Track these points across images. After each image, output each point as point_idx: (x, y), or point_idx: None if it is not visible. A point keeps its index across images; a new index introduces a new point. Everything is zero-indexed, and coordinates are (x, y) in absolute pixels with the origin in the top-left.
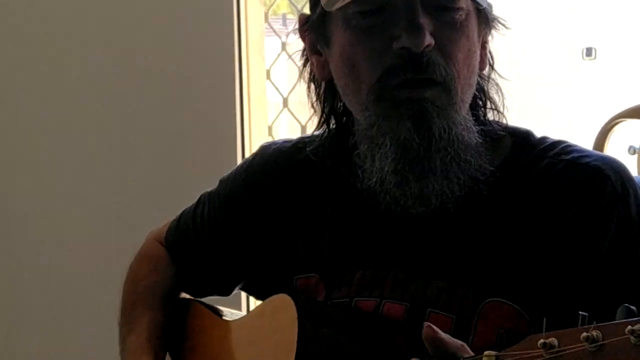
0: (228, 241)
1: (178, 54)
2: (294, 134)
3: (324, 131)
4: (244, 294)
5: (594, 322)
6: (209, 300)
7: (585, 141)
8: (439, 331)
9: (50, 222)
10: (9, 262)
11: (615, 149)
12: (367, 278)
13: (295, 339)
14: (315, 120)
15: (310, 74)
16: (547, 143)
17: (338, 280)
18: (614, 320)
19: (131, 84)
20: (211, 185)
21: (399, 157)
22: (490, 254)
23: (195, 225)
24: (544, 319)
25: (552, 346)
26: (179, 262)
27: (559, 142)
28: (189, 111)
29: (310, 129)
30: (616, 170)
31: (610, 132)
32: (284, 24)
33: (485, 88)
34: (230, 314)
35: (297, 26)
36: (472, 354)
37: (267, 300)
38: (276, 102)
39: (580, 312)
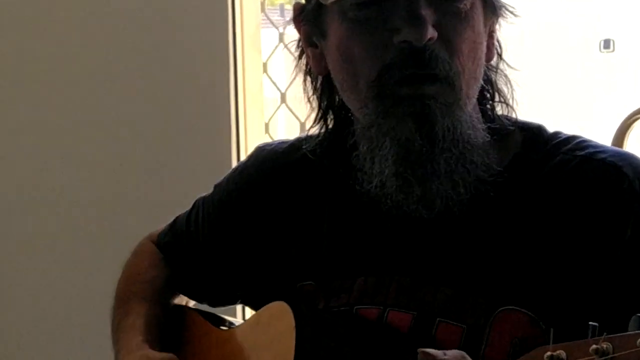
0: (222, 247)
1: (167, 48)
2: (293, 131)
3: (322, 128)
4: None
5: (604, 334)
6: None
7: (602, 138)
8: (432, 352)
9: (41, 224)
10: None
11: (636, 147)
12: (369, 285)
13: (293, 349)
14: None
15: (306, 66)
16: (560, 138)
17: (337, 287)
18: (628, 328)
19: (118, 83)
20: (204, 188)
21: (400, 159)
22: (500, 259)
23: (189, 231)
24: (551, 330)
25: (560, 359)
26: (171, 265)
27: (573, 138)
28: (180, 109)
29: None
30: (634, 166)
31: (630, 129)
32: (282, 15)
33: (493, 79)
34: (226, 321)
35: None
36: None
37: (264, 307)
38: (273, 98)
39: (590, 323)
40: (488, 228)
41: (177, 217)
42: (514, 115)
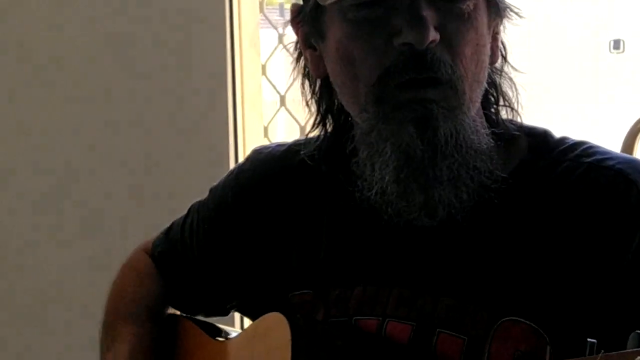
0: (217, 254)
1: (164, 49)
2: (293, 135)
3: (320, 132)
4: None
5: (602, 351)
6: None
7: (612, 143)
8: None
9: (41, 224)
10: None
11: None
12: (368, 295)
13: None
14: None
15: (304, 68)
16: (567, 144)
17: (335, 296)
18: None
19: (115, 84)
20: (202, 191)
21: (401, 165)
22: (503, 268)
23: (184, 237)
24: (548, 347)
25: None
26: (165, 275)
27: (581, 143)
28: (177, 112)
29: None
30: None
31: None
32: (281, 15)
33: (498, 82)
34: (222, 332)
35: None
36: None
37: (260, 318)
38: (273, 101)
39: (588, 340)
40: (491, 236)
41: (172, 223)
42: (519, 120)
